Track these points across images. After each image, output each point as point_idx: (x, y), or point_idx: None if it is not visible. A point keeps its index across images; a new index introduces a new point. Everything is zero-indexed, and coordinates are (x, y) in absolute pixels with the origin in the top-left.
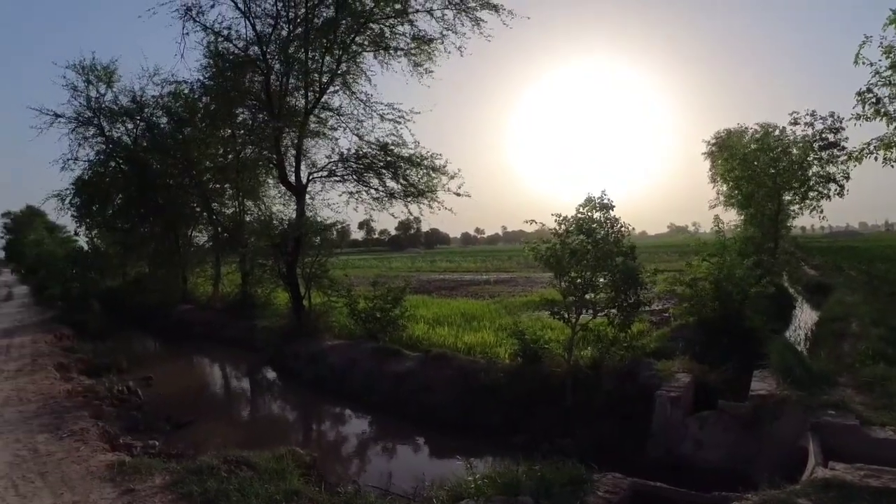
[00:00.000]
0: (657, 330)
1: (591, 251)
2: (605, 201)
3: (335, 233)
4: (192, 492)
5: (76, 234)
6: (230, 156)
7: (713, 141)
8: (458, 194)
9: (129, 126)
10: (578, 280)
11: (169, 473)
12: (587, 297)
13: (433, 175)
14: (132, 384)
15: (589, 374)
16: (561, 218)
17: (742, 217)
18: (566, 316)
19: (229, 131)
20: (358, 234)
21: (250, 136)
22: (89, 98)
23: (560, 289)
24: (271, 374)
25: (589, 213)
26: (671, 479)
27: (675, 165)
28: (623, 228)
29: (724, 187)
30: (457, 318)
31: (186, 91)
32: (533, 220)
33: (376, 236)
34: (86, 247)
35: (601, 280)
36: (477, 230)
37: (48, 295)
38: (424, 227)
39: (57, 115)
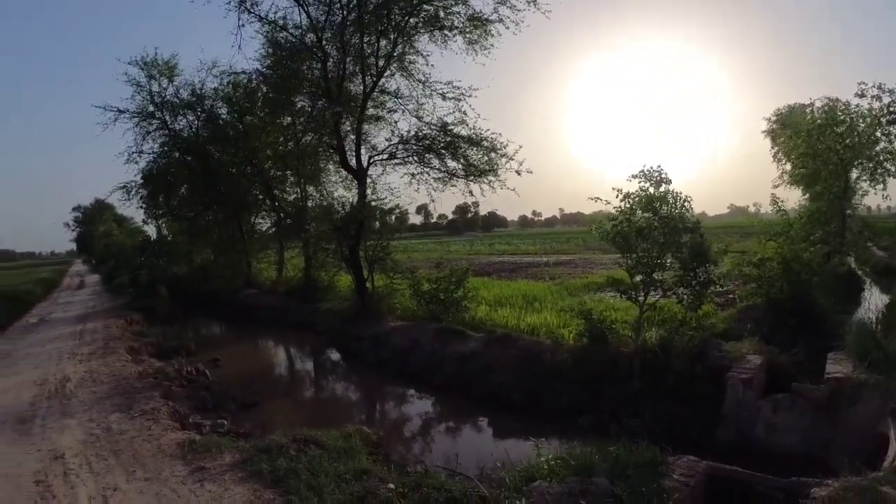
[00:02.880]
0: (722, 311)
1: (657, 228)
2: (663, 175)
3: (395, 217)
4: (262, 469)
5: (144, 223)
6: (290, 143)
7: (774, 118)
8: (519, 172)
9: (191, 118)
10: (646, 259)
11: (238, 452)
12: (654, 275)
13: (493, 154)
14: (200, 366)
15: (657, 354)
16: (624, 194)
17: (807, 196)
18: (633, 295)
19: (289, 119)
20: (416, 219)
21: (310, 123)
22: (152, 93)
23: (627, 268)
24: (335, 356)
25: (647, 189)
26: (743, 463)
27: (734, 144)
28: (686, 204)
29: (788, 166)
30: (518, 300)
31: (245, 81)
32: (598, 198)
33: (434, 220)
34: (153, 236)
35: (669, 258)
36: (534, 213)
37: (118, 283)
38: (482, 211)
39: (120, 111)
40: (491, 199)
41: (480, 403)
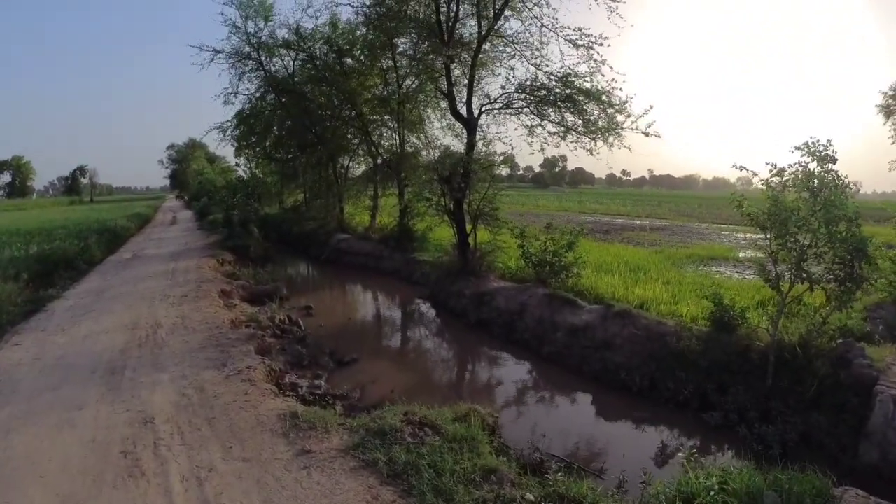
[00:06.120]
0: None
1: (816, 213)
2: (830, 152)
3: (505, 168)
4: (377, 460)
5: (237, 164)
6: (391, 86)
7: (891, 93)
8: (647, 134)
9: (287, 60)
10: (796, 245)
11: (347, 432)
12: (803, 265)
13: (610, 111)
14: (293, 315)
15: (797, 353)
16: (777, 169)
17: None
18: (779, 284)
19: (390, 62)
20: (502, 170)
21: (413, 67)
22: (248, 33)
23: (771, 252)
24: (431, 312)
25: (807, 166)
26: (887, 491)
27: (847, 122)
28: (848, 189)
29: None
30: (621, 267)
31: (345, 22)
32: (743, 167)
33: (520, 173)
34: (245, 176)
35: (822, 248)
36: (623, 172)
37: (211, 220)
38: (570, 166)
39: (216, 52)
40: (580, 153)
41: (595, 382)
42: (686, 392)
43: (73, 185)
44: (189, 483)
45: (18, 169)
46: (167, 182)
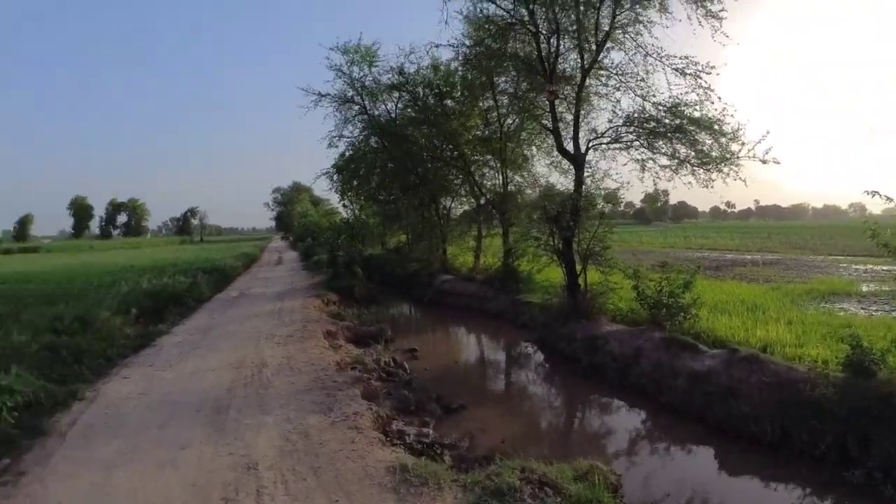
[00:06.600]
0: None
1: None
2: None
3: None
4: None
5: (344, 205)
6: (492, 126)
7: None
8: (765, 161)
9: (389, 105)
10: None
11: (461, 489)
12: None
13: (724, 140)
14: (398, 357)
15: None
16: None
17: None
18: None
19: (490, 102)
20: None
21: (514, 105)
22: (352, 78)
23: None
24: (539, 356)
25: None
26: None
27: None
28: None
29: None
30: (737, 307)
31: (444, 64)
32: (875, 192)
33: (621, 209)
34: (348, 217)
35: None
36: (727, 204)
37: (315, 261)
38: (672, 200)
39: (321, 95)
40: (680, 188)
41: (718, 432)
42: (823, 445)
43: (184, 226)
44: None
45: (134, 210)
46: (272, 223)
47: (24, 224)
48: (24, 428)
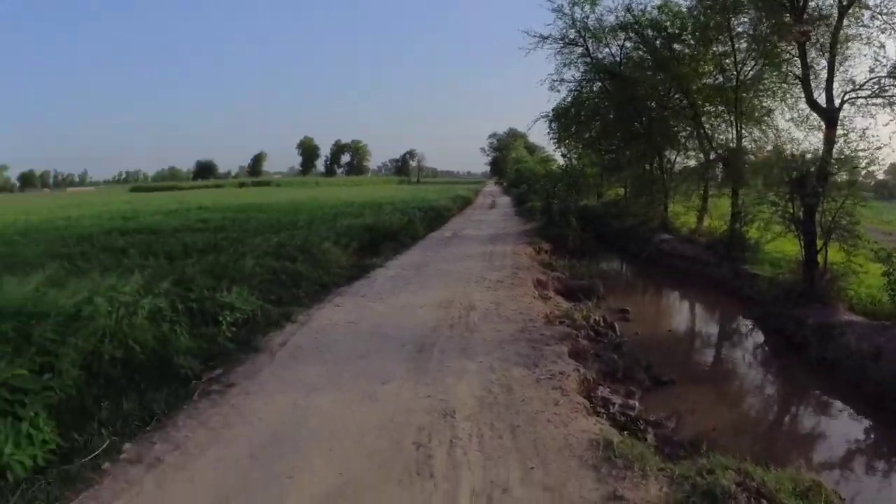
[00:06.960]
0: None
1: None
2: None
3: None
4: None
5: (563, 155)
6: (727, 73)
7: None
8: None
9: (614, 49)
10: None
11: (668, 481)
12: None
13: None
14: (608, 316)
15: None
16: None
17: None
18: None
19: (725, 46)
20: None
21: (755, 49)
22: (574, 19)
23: None
24: (760, 336)
25: None
26: None
27: None
28: None
29: None
30: None
31: (674, 2)
32: None
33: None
34: (564, 165)
35: None
36: None
37: (529, 207)
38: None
39: (543, 37)
40: None
41: None
42: None
43: (402, 167)
44: (479, 501)
45: (356, 151)
46: (487, 168)
47: (258, 161)
48: (239, 342)
